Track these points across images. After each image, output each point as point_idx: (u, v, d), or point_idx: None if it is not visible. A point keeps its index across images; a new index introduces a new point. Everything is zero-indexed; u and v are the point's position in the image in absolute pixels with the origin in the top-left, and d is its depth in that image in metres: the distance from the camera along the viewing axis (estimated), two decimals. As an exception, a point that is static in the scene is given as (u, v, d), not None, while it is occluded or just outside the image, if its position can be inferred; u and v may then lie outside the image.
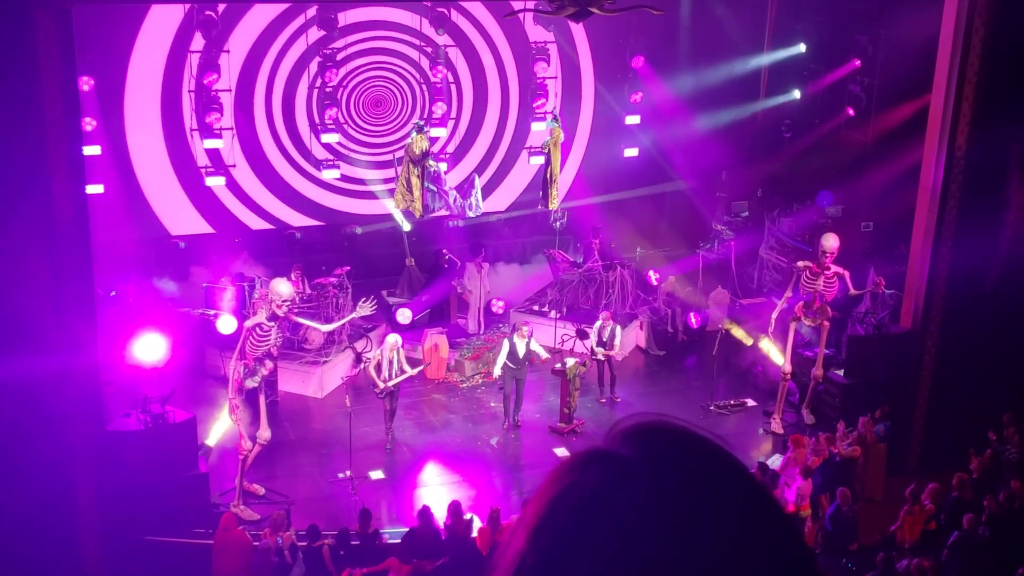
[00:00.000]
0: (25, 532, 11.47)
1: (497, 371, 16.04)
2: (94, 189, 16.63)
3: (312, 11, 18.96)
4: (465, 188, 18.24)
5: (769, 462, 14.20)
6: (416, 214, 17.74)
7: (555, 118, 18.21)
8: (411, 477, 15.02)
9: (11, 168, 11.17)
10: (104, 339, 13.42)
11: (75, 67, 11.99)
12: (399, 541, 12.53)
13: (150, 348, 14.38)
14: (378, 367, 15.12)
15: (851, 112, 19.95)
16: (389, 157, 20.14)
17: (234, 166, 19.43)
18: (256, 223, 20.10)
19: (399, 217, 19.55)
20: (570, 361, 15.95)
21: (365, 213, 20.73)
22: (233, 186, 19.67)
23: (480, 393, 17.26)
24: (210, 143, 18.80)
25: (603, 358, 16.66)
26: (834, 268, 15.10)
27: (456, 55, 20.58)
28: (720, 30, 20.36)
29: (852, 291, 15.32)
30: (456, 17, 20.24)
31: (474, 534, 12.41)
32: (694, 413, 16.12)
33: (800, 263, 15.68)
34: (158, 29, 18.33)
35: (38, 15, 11.04)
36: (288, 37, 19.40)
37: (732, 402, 16.86)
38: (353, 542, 12.41)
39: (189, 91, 18.77)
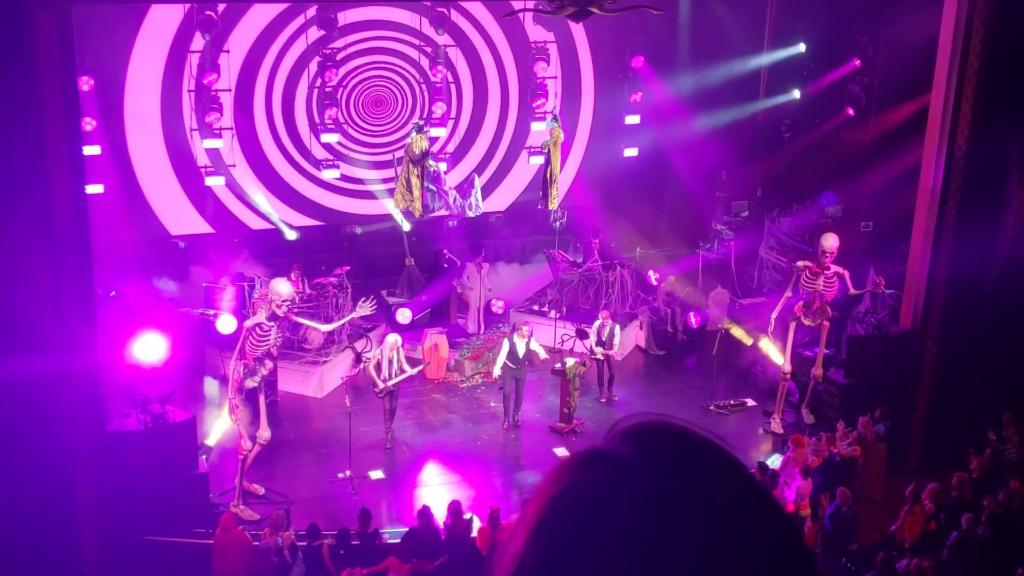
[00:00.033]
0: (25, 532, 11.46)
1: (497, 371, 16.04)
2: (94, 189, 16.64)
3: (312, 11, 18.96)
4: (465, 188, 18.24)
5: (769, 462, 14.20)
6: (416, 214, 17.74)
7: (555, 118, 18.21)
8: (411, 477, 15.02)
9: (11, 168, 11.17)
10: (104, 339, 13.42)
11: (75, 67, 11.99)
12: (399, 541, 12.54)
13: (150, 348, 14.38)
14: (378, 367, 15.13)
15: (851, 112, 19.95)
16: (389, 157, 20.14)
17: (234, 166, 19.43)
18: (256, 223, 20.09)
19: (399, 217, 19.57)
20: (570, 361, 15.95)
21: (365, 213, 20.74)
22: (233, 186, 19.69)
23: (480, 393, 17.26)
24: (210, 143, 18.81)
25: (602, 357, 16.66)
26: (834, 268, 15.11)
27: (456, 55, 20.58)
28: (720, 30, 20.36)
29: (852, 291, 15.33)
30: (456, 17, 20.24)
31: (474, 534, 12.41)
32: (694, 413, 16.12)
33: (800, 263, 15.68)
34: (158, 29, 18.33)
35: (38, 15, 11.04)
36: (288, 37, 19.40)
37: (732, 402, 16.86)
38: (353, 542, 12.41)
39: (189, 91, 18.77)
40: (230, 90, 19.00)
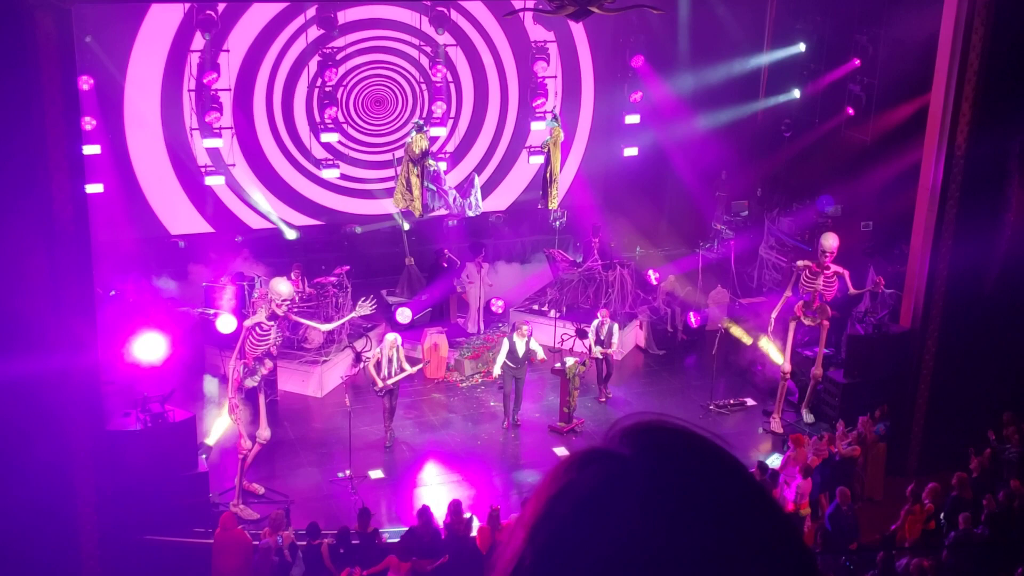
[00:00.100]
0: (25, 531, 11.47)
1: (497, 370, 16.04)
2: (94, 188, 16.64)
3: (312, 10, 18.96)
4: (465, 188, 18.24)
5: (769, 461, 14.20)
6: (416, 213, 17.74)
7: (555, 117, 18.21)
8: (411, 476, 15.02)
9: (11, 168, 11.17)
10: (104, 338, 13.42)
11: (75, 67, 11.98)
12: (398, 540, 12.53)
13: (150, 347, 14.39)
14: (377, 365, 15.13)
15: (851, 111, 19.93)
16: (389, 156, 20.14)
17: (233, 165, 19.44)
18: (256, 222, 20.09)
19: (399, 217, 19.58)
20: (570, 360, 15.95)
21: (365, 213, 20.73)
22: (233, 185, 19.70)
23: (480, 392, 17.26)
24: (210, 142, 18.81)
25: (601, 356, 16.66)
26: (834, 267, 15.11)
27: (456, 54, 20.58)
28: (720, 29, 20.35)
29: (852, 290, 15.32)
30: (456, 16, 20.23)
31: (474, 533, 12.41)
32: (694, 412, 16.12)
33: (800, 262, 15.68)
34: (158, 28, 18.33)
35: (38, 15, 11.04)
36: (288, 37, 19.40)
37: (732, 401, 16.86)
38: (353, 541, 12.41)
39: (189, 90, 18.77)
40: (230, 89, 19.00)
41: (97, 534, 12.22)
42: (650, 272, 19.61)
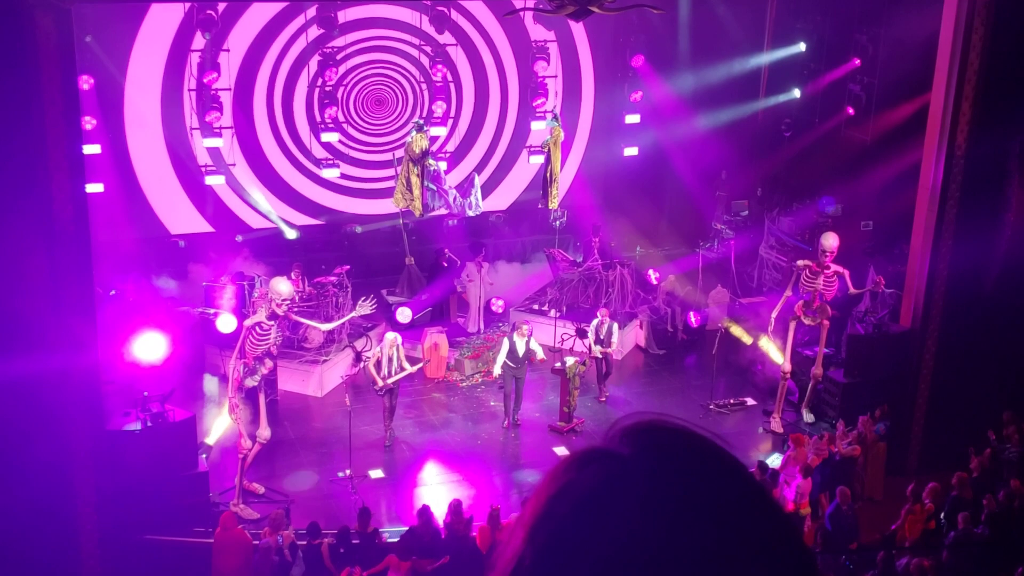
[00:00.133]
0: (25, 531, 11.47)
1: (497, 370, 16.05)
2: (94, 188, 16.63)
3: (312, 10, 18.96)
4: (465, 187, 18.24)
5: (769, 461, 14.20)
6: (416, 213, 17.74)
7: (555, 117, 18.21)
8: (411, 476, 15.02)
9: (11, 168, 11.17)
10: (104, 338, 13.42)
11: (75, 66, 11.98)
12: (398, 540, 12.53)
13: (150, 347, 14.39)
14: (378, 364, 15.13)
15: (851, 111, 19.93)
16: (389, 156, 20.14)
17: (234, 165, 19.44)
18: (256, 221, 20.10)
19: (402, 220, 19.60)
20: (570, 360, 15.95)
21: (365, 213, 20.74)
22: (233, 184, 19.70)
23: (480, 392, 17.26)
24: (210, 142, 18.81)
25: (601, 356, 16.66)
26: (834, 267, 15.11)
27: (456, 54, 20.58)
28: (720, 29, 20.35)
29: (852, 290, 15.32)
30: (456, 16, 20.23)
31: (474, 533, 12.41)
32: (694, 412, 16.12)
33: (800, 262, 15.68)
34: (158, 28, 18.33)
35: (38, 15, 11.04)
36: (288, 36, 19.40)
37: (732, 401, 16.86)
38: (353, 541, 12.41)
39: (189, 90, 18.77)
40: (230, 89, 19.00)
41: (97, 534, 12.22)
42: (650, 272, 19.61)
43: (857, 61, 19.60)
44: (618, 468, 1.18)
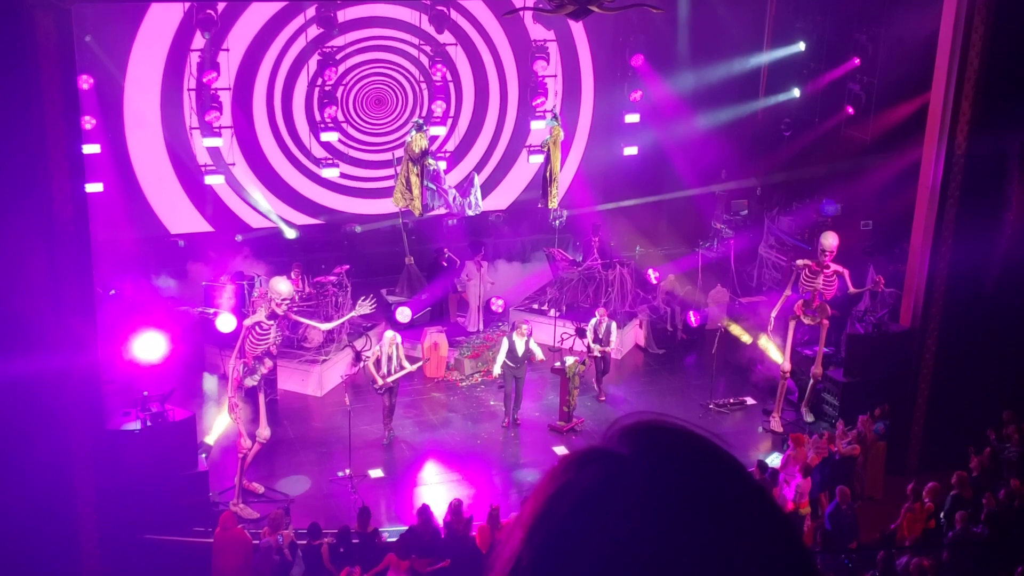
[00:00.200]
0: (25, 531, 11.47)
1: (497, 369, 16.05)
2: (94, 188, 16.63)
3: (311, 10, 18.95)
4: (465, 187, 18.24)
5: (768, 460, 14.20)
6: (415, 213, 17.74)
7: (555, 116, 18.21)
8: (410, 475, 15.02)
9: (11, 168, 11.17)
10: (104, 338, 13.42)
11: (75, 66, 11.98)
12: (397, 539, 12.53)
13: (149, 346, 14.39)
14: (377, 363, 15.13)
15: (851, 110, 19.93)
16: (388, 156, 20.14)
17: (233, 164, 19.44)
18: (256, 221, 20.10)
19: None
20: (569, 360, 15.95)
21: (364, 212, 20.74)
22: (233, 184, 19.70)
23: (480, 391, 17.26)
24: (209, 141, 18.81)
25: (599, 354, 16.66)
26: (833, 266, 15.10)
27: (456, 53, 20.57)
28: (720, 28, 20.35)
29: (851, 289, 15.32)
30: (456, 15, 20.22)
31: (474, 532, 12.41)
32: (693, 411, 16.13)
33: (800, 261, 15.67)
34: (158, 28, 18.33)
35: (37, 15, 11.04)
36: (288, 36, 19.40)
37: (731, 400, 16.87)
38: (353, 541, 12.41)
39: (189, 89, 18.77)
40: (230, 88, 19.00)
41: (97, 534, 12.22)
42: (650, 271, 19.61)
43: (857, 60, 19.61)
44: (617, 468, 1.18)
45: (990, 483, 13.23)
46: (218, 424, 14.91)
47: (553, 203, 18.26)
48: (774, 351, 16.45)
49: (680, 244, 21.31)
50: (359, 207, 20.78)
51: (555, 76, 20.91)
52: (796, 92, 21.18)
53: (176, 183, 19.32)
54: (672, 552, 1.11)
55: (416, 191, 17.41)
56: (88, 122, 17.23)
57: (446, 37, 20.17)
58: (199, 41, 18.44)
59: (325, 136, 19.72)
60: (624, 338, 18.28)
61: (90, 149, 16.89)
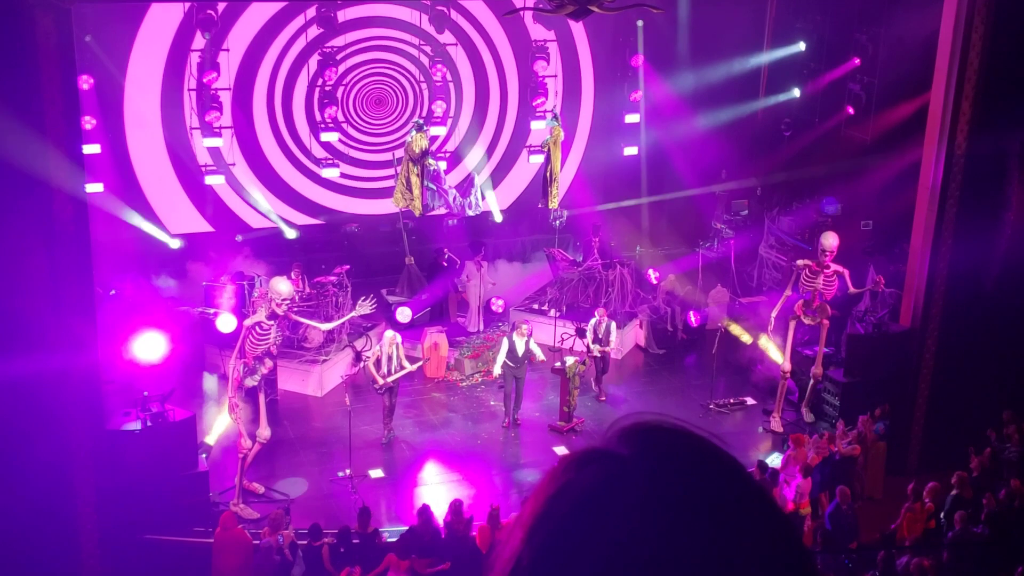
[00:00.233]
0: (25, 531, 11.47)
1: (497, 369, 16.05)
2: (94, 188, 16.63)
3: (311, 10, 18.96)
4: (465, 187, 18.25)
5: (769, 461, 14.20)
6: (416, 213, 17.74)
7: (555, 117, 18.21)
8: (411, 476, 15.01)
9: (11, 168, 11.17)
10: (104, 338, 13.42)
11: (75, 66, 11.99)
12: (397, 539, 12.53)
13: (150, 346, 14.39)
14: (377, 363, 15.13)
15: (851, 110, 19.93)
16: (389, 156, 20.15)
17: (233, 164, 19.44)
18: (256, 221, 20.10)
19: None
20: (570, 360, 15.95)
21: (365, 213, 20.74)
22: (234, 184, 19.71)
23: (480, 392, 17.26)
24: (210, 141, 18.81)
25: (599, 354, 16.66)
26: (834, 266, 15.10)
27: (456, 53, 20.57)
28: (720, 28, 20.34)
29: (852, 289, 15.32)
30: (456, 15, 20.22)
31: (474, 532, 12.41)
32: (694, 412, 16.13)
33: (800, 261, 15.67)
34: (158, 28, 18.33)
35: (37, 15, 11.04)
36: (288, 36, 19.40)
37: (732, 400, 16.86)
38: (353, 541, 12.41)
39: (189, 89, 18.77)
40: (230, 89, 19.00)
41: (97, 534, 12.22)
42: (650, 271, 19.61)
43: (857, 60, 19.60)
44: (617, 468, 1.18)
45: (990, 483, 13.22)
46: (218, 424, 14.91)
47: (553, 203, 18.27)
48: (774, 351, 16.45)
49: (680, 244, 21.30)
50: (359, 207, 20.78)
51: (555, 76, 20.92)
52: (796, 92, 21.18)
53: (176, 183, 19.32)
54: (672, 553, 1.11)
55: (416, 191, 17.41)
56: (88, 122, 17.24)
57: (446, 37, 20.17)
58: (199, 41, 18.45)
59: (325, 136, 19.72)
60: (624, 338, 18.29)
61: (90, 149, 16.89)
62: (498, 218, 20.58)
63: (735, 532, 1.14)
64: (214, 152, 19.08)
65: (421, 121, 18.11)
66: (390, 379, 15.12)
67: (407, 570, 11.94)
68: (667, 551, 1.11)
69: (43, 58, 11.10)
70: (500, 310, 19.10)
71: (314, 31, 19.30)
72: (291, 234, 20.16)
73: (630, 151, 21.55)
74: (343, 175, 20.26)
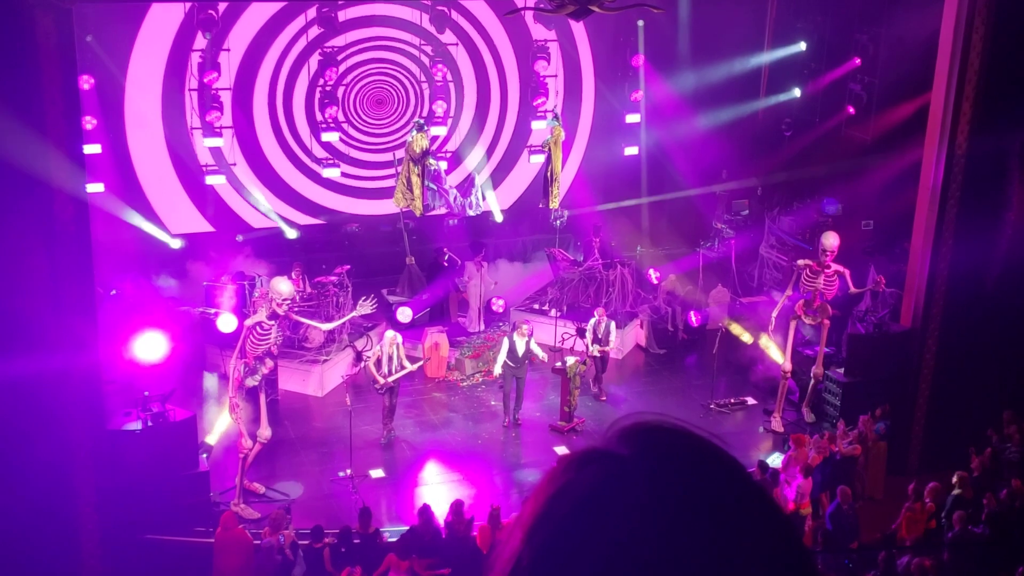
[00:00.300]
0: (25, 531, 11.47)
1: (497, 369, 16.05)
2: (94, 187, 16.63)
3: (312, 10, 18.96)
4: (465, 187, 18.26)
5: (769, 461, 14.20)
6: (416, 213, 17.75)
7: (556, 116, 18.22)
8: (411, 476, 15.01)
9: (11, 168, 11.17)
10: (104, 338, 13.42)
11: (75, 66, 11.99)
12: (398, 539, 12.53)
13: (150, 346, 14.39)
14: (378, 363, 15.13)
15: (851, 110, 19.93)
16: (389, 156, 20.15)
17: (234, 164, 19.45)
18: (257, 221, 20.10)
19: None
20: (570, 360, 15.95)
21: (365, 213, 20.74)
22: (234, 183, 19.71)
23: (480, 391, 17.26)
24: (210, 141, 18.82)
25: (598, 354, 16.67)
26: (834, 266, 15.10)
27: (457, 53, 20.57)
28: (720, 28, 20.35)
29: (852, 289, 15.31)
30: (456, 15, 20.23)
31: (474, 532, 12.41)
32: (694, 412, 16.12)
33: (800, 261, 15.67)
34: (158, 28, 18.34)
35: (38, 15, 11.04)
36: (288, 36, 19.41)
37: (732, 400, 16.86)
38: (354, 541, 12.41)
39: (190, 89, 18.78)
40: (230, 89, 19.01)
41: (97, 534, 12.22)
42: (651, 271, 19.61)
43: (857, 60, 19.60)
44: (617, 468, 1.18)
45: (991, 483, 13.22)
46: (219, 424, 14.91)
47: (554, 203, 18.28)
48: (775, 351, 16.44)
49: (681, 244, 21.30)
50: (360, 207, 20.78)
51: (556, 76, 20.92)
52: (797, 92, 21.18)
53: (177, 183, 19.33)
54: (672, 553, 1.11)
55: (417, 191, 17.42)
56: (89, 122, 17.24)
57: (447, 37, 20.18)
58: (200, 41, 18.46)
59: (326, 136, 19.73)
60: (625, 338, 18.29)
61: (91, 149, 16.90)
62: (499, 218, 20.62)
63: (735, 532, 1.14)
64: (215, 152, 19.09)
65: (422, 121, 18.11)
66: (391, 379, 15.12)
67: (407, 570, 11.94)
68: (667, 551, 1.11)
69: (44, 58, 11.10)
70: (501, 310, 19.10)
71: (315, 31, 19.31)
72: (292, 234, 20.17)
73: (631, 151, 21.56)
74: (344, 175, 20.26)
